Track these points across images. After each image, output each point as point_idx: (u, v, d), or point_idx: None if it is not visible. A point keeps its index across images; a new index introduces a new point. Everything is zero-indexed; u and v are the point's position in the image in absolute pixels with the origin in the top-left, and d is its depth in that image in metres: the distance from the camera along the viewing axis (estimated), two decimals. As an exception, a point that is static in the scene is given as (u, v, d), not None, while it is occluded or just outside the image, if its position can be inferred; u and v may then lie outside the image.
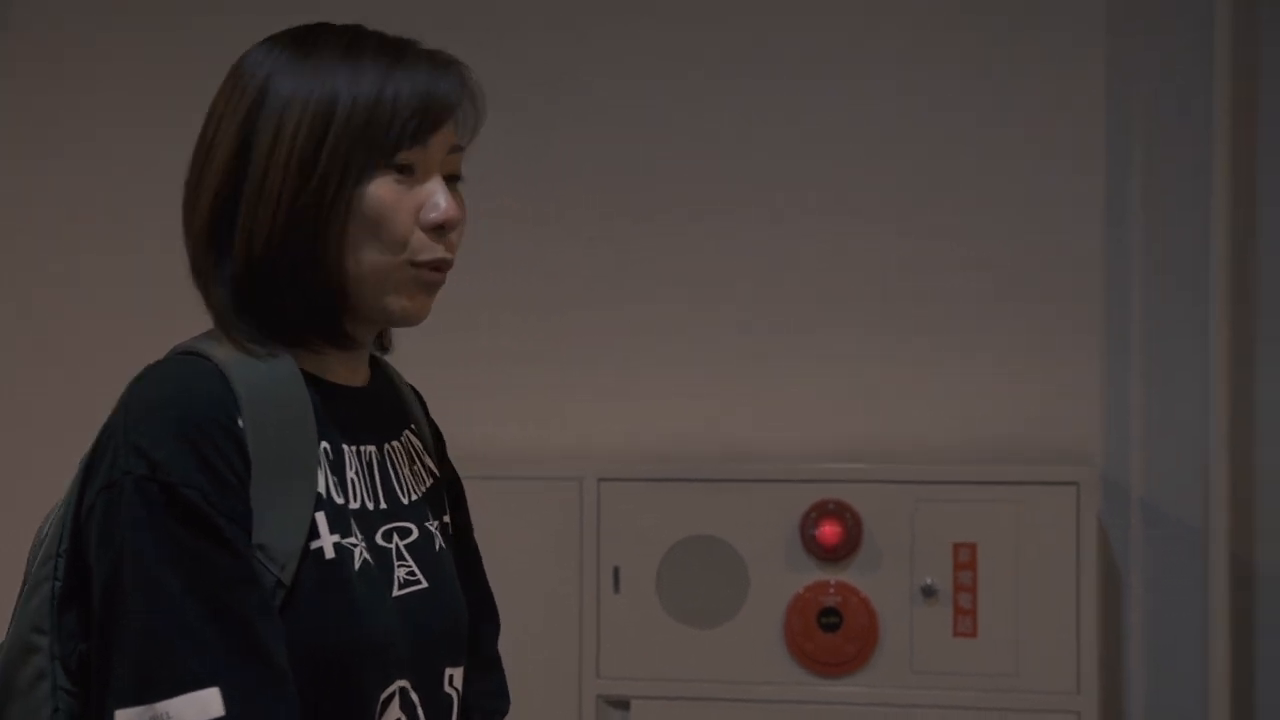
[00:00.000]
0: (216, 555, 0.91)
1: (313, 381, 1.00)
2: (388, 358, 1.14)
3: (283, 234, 0.96)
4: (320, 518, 0.97)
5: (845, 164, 2.37)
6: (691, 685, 2.22)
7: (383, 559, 1.01)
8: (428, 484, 1.11)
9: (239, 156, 0.98)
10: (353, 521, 1.00)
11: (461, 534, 1.15)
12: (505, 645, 1.20)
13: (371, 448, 1.04)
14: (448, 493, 1.16)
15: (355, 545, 0.99)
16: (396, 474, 1.07)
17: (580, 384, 2.42)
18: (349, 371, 1.05)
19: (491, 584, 1.19)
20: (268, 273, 0.97)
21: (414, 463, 1.10)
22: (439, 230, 0.99)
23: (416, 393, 1.17)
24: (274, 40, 1.02)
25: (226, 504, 0.92)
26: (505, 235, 2.42)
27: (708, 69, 2.42)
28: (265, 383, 0.96)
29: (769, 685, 2.20)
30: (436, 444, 1.16)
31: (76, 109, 2.60)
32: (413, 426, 1.12)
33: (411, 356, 1.15)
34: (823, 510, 2.19)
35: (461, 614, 1.08)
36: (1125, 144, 2.28)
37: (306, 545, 0.95)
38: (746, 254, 2.39)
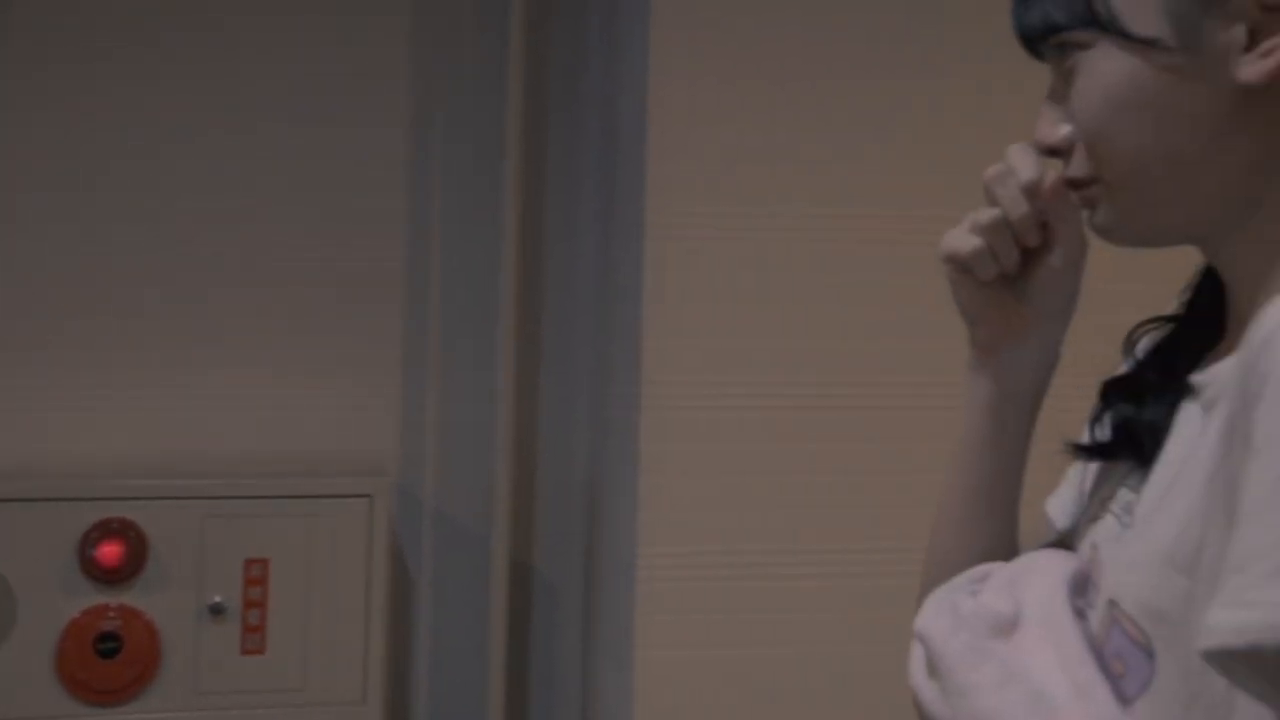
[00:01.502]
0: None
1: None
2: None
3: None
4: None
5: (157, 170, 2.27)
6: (-53, 727, 2.02)
7: None
8: None
9: None
10: None
11: None
12: None
13: None
14: None
15: None
16: None
17: None
18: None
19: None
20: None
21: None
22: None
23: None
24: None
25: None
26: None
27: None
28: None
29: (38, 720, 2.04)
30: None
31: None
32: None
33: None
34: (104, 530, 2.06)
35: None
36: (426, 161, 2.35)
37: None
38: (38, 261, 2.22)
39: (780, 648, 2.04)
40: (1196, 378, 0.85)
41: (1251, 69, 0.79)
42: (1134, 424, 0.90)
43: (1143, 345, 0.96)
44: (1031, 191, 0.91)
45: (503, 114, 2.31)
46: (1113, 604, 0.80)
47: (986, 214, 0.93)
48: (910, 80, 2.09)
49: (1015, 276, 0.95)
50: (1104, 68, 0.82)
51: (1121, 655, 0.79)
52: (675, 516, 2.04)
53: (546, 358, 2.38)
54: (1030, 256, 0.94)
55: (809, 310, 2.06)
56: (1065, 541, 0.97)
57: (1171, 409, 0.87)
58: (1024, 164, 0.91)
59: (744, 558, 2.04)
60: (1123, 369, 0.97)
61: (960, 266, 0.95)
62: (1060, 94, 0.87)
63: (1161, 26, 0.80)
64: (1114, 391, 0.94)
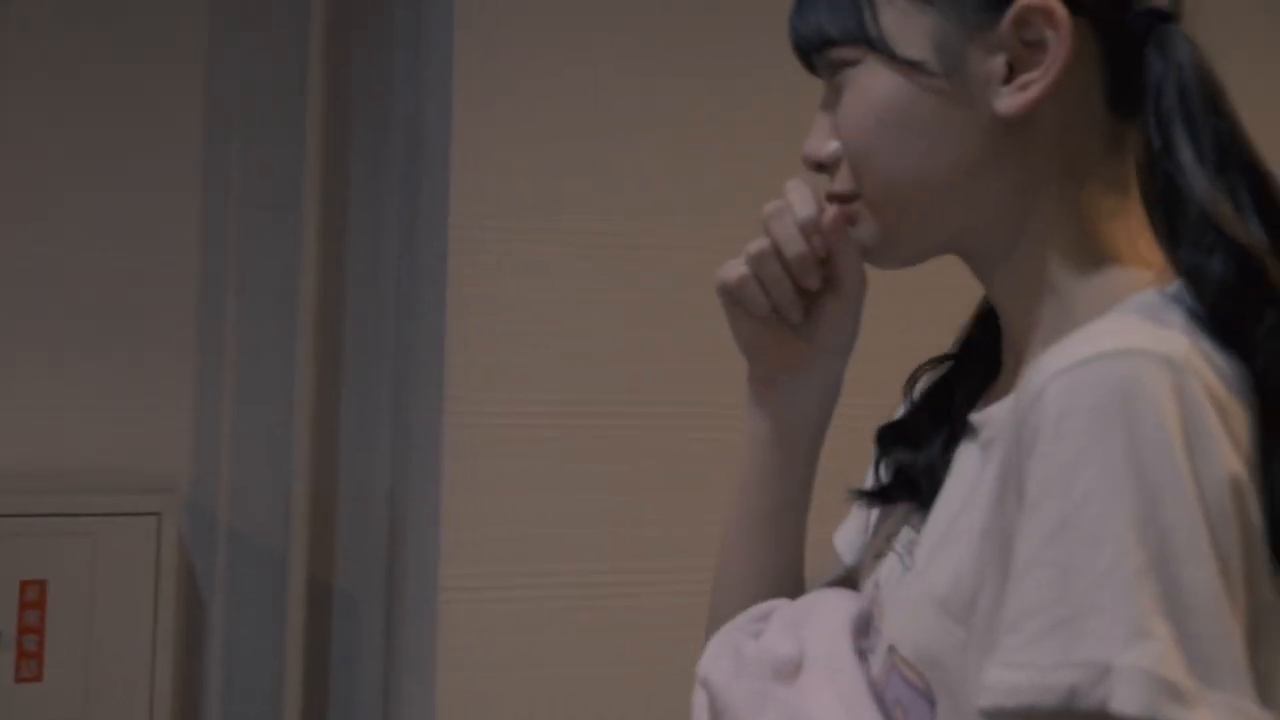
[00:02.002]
0: None
1: None
2: None
3: None
4: None
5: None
6: None
7: None
8: None
9: None
10: None
11: None
12: None
13: None
14: None
15: None
16: None
17: None
18: None
19: None
20: None
21: None
22: None
23: None
24: None
25: None
26: None
27: None
28: None
29: None
30: None
31: None
32: None
33: None
34: None
35: None
36: (222, 172, 2.27)
37: None
38: None
39: (585, 668, 2.02)
40: (974, 417, 0.85)
41: (1009, 101, 0.79)
42: (911, 468, 0.90)
43: (920, 386, 0.96)
44: (808, 229, 0.90)
45: (303, 126, 2.24)
46: (892, 649, 0.79)
47: (756, 244, 0.92)
48: (713, 94, 2.08)
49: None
50: (870, 84, 0.83)
51: (902, 701, 0.78)
52: (479, 534, 2.00)
53: (347, 371, 2.31)
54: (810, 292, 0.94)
55: (616, 325, 2.04)
56: (852, 577, 0.97)
57: (949, 447, 0.87)
58: (801, 201, 0.90)
59: (549, 576, 2.01)
60: (900, 410, 0.96)
61: (732, 299, 0.93)
62: (832, 106, 0.87)
63: (927, 50, 0.81)
64: (889, 437, 0.94)
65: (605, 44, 2.05)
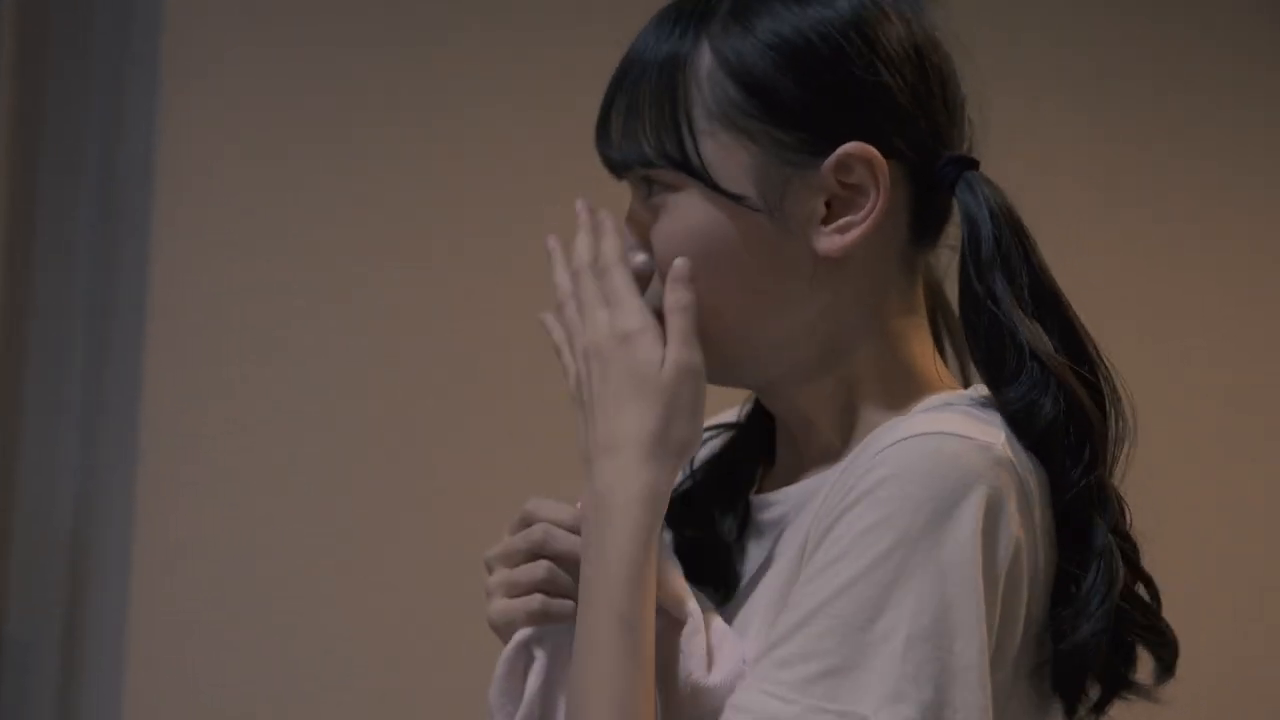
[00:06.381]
0: None
1: None
2: None
3: None
4: None
5: None
6: None
7: None
8: None
9: None
10: None
11: None
12: None
13: None
14: None
15: None
16: None
17: None
18: None
19: None
20: None
21: None
22: None
23: None
24: None
25: None
26: None
27: None
28: None
29: None
30: None
31: None
32: None
33: None
34: None
35: None
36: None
37: None
38: None
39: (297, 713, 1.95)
40: (762, 497, 0.88)
41: (828, 242, 0.82)
42: (699, 542, 0.90)
43: (699, 458, 0.96)
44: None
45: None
46: None
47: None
48: (433, 132, 2.06)
49: None
50: (690, 213, 0.83)
51: None
52: (174, 575, 1.93)
53: (28, 398, 2.14)
54: None
55: (322, 351, 2.00)
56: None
57: (740, 532, 0.90)
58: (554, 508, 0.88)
59: (256, 613, 1.94)
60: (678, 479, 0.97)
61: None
62: (640, 218, 0.87)
63: (748, 185, 0.82)
64: (679, 512, 0.92)
65: (325, 77, 2.03)
